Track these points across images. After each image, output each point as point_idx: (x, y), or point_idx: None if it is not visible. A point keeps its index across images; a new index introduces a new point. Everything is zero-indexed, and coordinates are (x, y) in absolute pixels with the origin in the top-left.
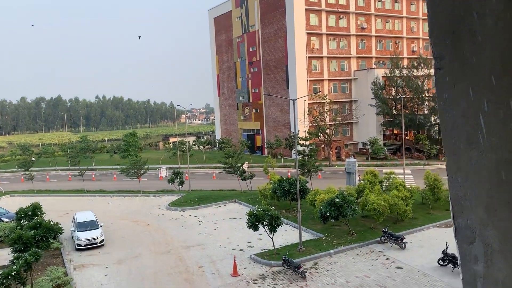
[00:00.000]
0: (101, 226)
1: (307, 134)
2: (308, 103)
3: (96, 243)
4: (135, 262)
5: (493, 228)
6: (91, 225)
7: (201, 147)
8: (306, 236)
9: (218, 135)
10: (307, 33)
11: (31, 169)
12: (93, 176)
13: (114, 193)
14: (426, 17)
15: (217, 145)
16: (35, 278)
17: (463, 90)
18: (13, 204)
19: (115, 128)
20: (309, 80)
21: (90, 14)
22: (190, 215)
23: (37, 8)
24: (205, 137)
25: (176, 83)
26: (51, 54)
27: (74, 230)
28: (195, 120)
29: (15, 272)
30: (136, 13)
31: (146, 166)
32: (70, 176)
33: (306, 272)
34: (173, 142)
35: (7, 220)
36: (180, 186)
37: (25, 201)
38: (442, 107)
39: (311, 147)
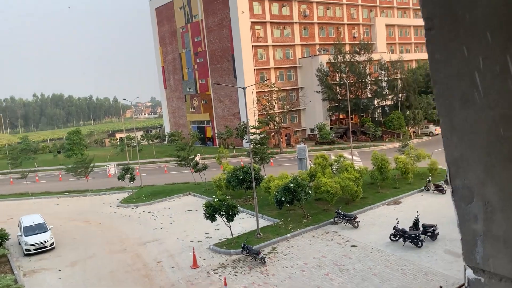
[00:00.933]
0: (50, 229)
1: (257, 123)
2: (256, 92)
3: (46, 247)
4: (90, 263)
5: (492, 185)
6: (39, 228)
7: (150, 142)
8: (263, 222)
9: (167, 129)
10: (251, 22)
11: None
12: (37, 177)
13: (61, 194)
14: (365, 4)
15: (166, 139)
16: None
17: (457, 49)
18: None
19: (57, 127)
20: (256, 69)
21: (24, 8)
22: (143, 211)
23: None
24: (153, 131)
25: (119, 77)
26: None
27: (21, 235)
28: (141, 115)
29: None
30: (73, 6)
31: (92, 164)
32: (11, 179)
33: (265, 257)
34: (120, 138)
35: None
36: (131, 182)
37: None
38: (434, 67)
39: (262, 135)
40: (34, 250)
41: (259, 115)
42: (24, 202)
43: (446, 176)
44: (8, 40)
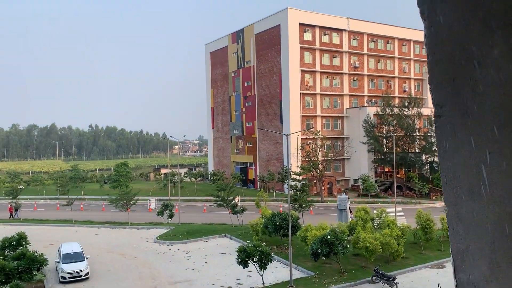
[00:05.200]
0: (87, 258)
1: (299, 169)
2: (301, 138)
3: (81, 276)
4: None
5: (497, 285)
6: (76, 257)
7: (193, 179)
8: (297, 274)
9: (211, 168)
10: (301, 70)
11: (18, 197)
12: (82, 206)
13: (102, 224)
14: (417, 59)
15: (209, 178)
16: None
17: (464, 139)
18: None
19: (107, 157)
20: (303, 115)
21: (86, 41)
22: (178, 249)
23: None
24: (197, 169)
25: (170, 115)
26: (40, 79)
27: (59, 262)
28: (188, 152)
29: None
30: (132, 44)
31: (136, 197)
32: (58, 205)
33: None
34: (164, 173)
35: None
36: (170, 219)
37: (11, 230)
38: (442, 155)
39: (303, 182)
40: (69, 278)
41: (302, 161)
42: (67, 229)
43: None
44: (72, 71)
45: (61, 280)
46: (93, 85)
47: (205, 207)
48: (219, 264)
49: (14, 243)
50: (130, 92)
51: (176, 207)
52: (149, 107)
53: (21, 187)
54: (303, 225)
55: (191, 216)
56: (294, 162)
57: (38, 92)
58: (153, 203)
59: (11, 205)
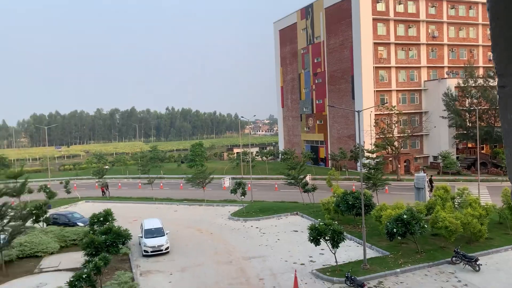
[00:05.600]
0: (167, 234)
1: (373, 147)
2: (375, 114)
3: (162, 250)
4: (198, 270)
5: None
6: (157, 232)
7: (264, 158)
8: (371, 253)
9: (281, 146)
10: (374, 43)
11: (104, 176)
12: (161, 184)
13: (180, 202)
14: None
15: (279, 156)
16: (104, 281)
17: None
18: (88, 209)
19: (183, 138)
20: (376, 90)
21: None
22: (251, 226)
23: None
24: (268, 148)
25: (241, 95)
26: (120, 68)
27: (141, 237)
28: (259, 131)
29: (86, 275)
30: (200, 26)
31: (210, 176)
32: (140, 184)
33: None
34: (237, 152)
35: (82, 224)
36: (242, 197)
37: (98, 207)
38: (506, 129)
39: (377, 160)
40: (151, 252)
41: (376, 138)
42: (148, 206)
43: None
44: (149, 59)
45: (144, 253)
46: (169, 70)
47: (276, 186)
48: (291, 241)
49: (102, 219)
50: (203, 74)
51: (249, 185)
52: (222, 89)
53: (106, 167)
54: (377, 204)
55: (263, 194)
56: (368, 140)
57: (118, 78)
58: (227, 182)
59: (102, 184)
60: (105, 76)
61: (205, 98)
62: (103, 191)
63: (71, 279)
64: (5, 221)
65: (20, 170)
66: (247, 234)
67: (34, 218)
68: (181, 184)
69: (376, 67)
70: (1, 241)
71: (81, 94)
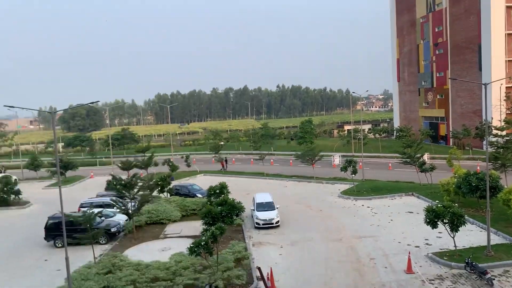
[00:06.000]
0: (277, 208)
1: (503, 123)
2: (506, 87)
3: (272, 224)
4: (307, 245)
5: None
6: (268, 206)
7: (377, 136)
8: (496, 239)
9: (396, 123)
10: (507, 7)
11: (220, 152)
12: (272, 160)
13: (290, 178)
14: None
15: (394, 134)
16: (220, 249)
17: None
18: (206, 182)
19: (293, 115)
20: (508, 60)
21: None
22: (362, 205)
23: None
24: (381, 125)
25: (352, 70)
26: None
27: (253, 210)
28: (372, 107)
29: (204, 243)
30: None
31: (320, 153)
32: (252, 159)
33: (494, 279)
34: (348, 129)
35: (200, 196)
36: (353, 175)
37: (215, 180)
38: None
39: (507, 138)
40: (262, 224)
41: (507, 114)
42: (259, 181)
43: None
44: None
45: (255, 225)
46: (277, 46)
47: (390, 165)
48: (406, 223)
49: (218, 191)
50: (312, 49)
51: (360, 163)
52: (331, 64)
53: (221, 143)
54: (505, 186)
55: (375, 173)
56: (496, 115)
57: (232, 59)
58: (337, 159)
59: (222, 159)
60: (220, 58)
61: (315, 75)
62: (222, 165)
63: (191, 245)
64: (135, 190)
65: (147, 145)
66: (358, 213)
67: (159, 188)
68: (291, 161)
69: (508, 34)
70: (132, 208)
71: (199, 75)
